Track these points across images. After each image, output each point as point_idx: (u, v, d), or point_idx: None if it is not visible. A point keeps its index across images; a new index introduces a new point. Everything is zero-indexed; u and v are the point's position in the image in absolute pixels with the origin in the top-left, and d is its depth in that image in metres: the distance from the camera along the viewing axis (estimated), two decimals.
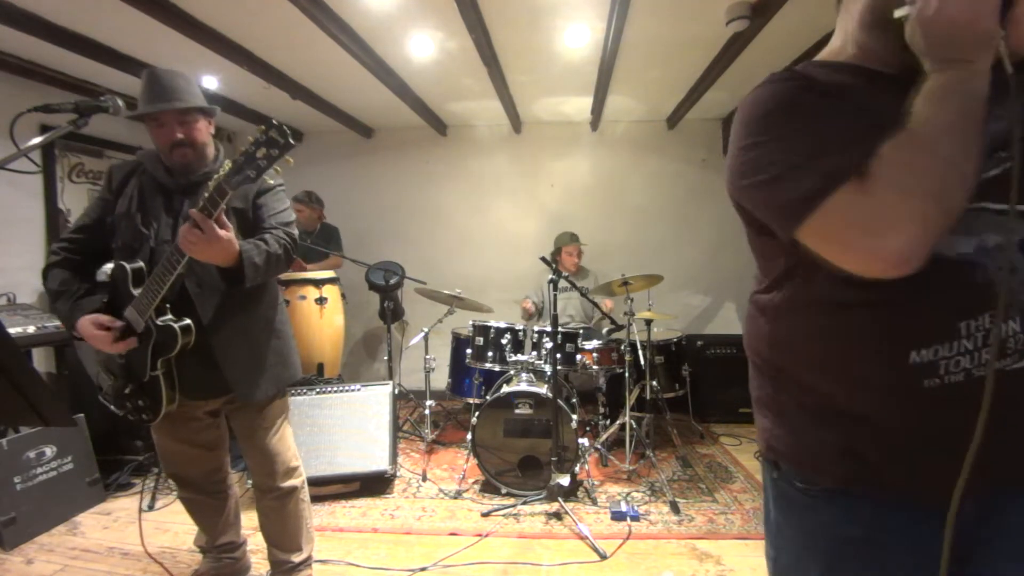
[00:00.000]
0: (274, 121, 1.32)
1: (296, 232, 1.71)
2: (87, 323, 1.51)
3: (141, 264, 1.55)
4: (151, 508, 2.65)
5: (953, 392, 0.68)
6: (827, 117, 0.69)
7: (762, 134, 0.72)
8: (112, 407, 1.65)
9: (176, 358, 1.56)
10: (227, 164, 1.34)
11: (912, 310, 0.69)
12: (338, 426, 2.83)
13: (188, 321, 1.54)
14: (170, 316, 1.52)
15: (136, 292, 1.51)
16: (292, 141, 1.33)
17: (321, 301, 3.58)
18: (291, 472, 1.83)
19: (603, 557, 2.21)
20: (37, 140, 1.26)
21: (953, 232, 0.64)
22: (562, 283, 2.86)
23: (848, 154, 0.65)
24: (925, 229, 0.61)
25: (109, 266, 1.62)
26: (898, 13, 0.65)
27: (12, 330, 2.54)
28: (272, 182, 1.72)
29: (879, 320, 0.71)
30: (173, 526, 2.48)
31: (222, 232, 1.38)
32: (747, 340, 0.92)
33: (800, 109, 0.71)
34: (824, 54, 0.82)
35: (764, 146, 0.71)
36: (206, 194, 1.36)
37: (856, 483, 0.75)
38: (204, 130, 1.64)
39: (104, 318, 1.53)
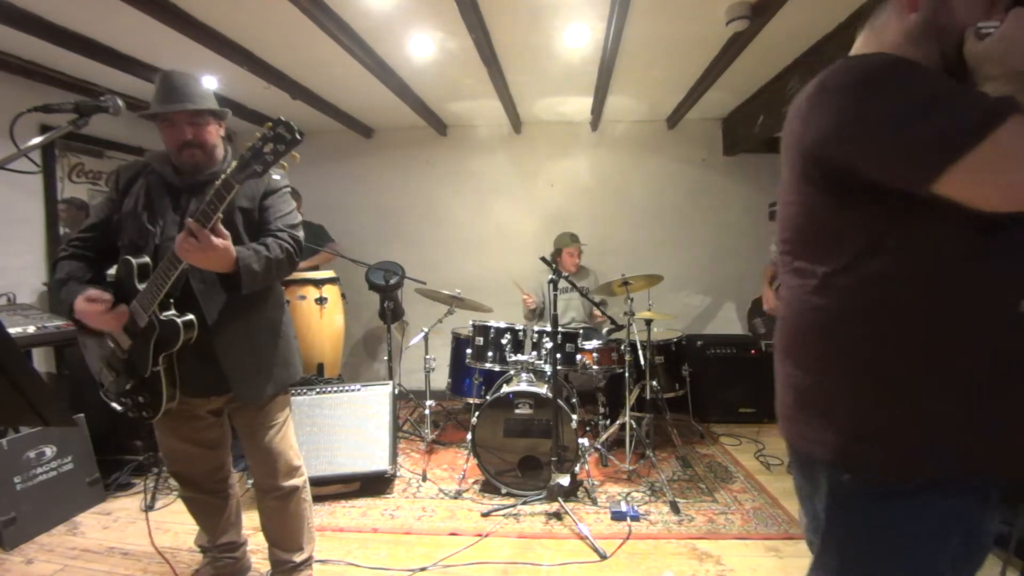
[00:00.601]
0: (282, 118, 1.34)
1: (301, 234, 1.72)
2: (80, 300, 1.51)
3: (147, 259, 1.56)
4: (151, 508, 2.65)
5: None
6: (944, 76, 0.73)
7: (890, 84, 0.71)
8: (113, 404, 1.66)
9: (178, 355, 1.56)
10: (233, 164, 1.36)
11: (1018, 259, 0.71)
12: (338, 426, 2.83)
13: (191, 316, 1.54)
14: (173, 311, 1.53)
15: (141, 287, 1.52)
16: (299, 137, 1.35)
17: (321, 301, 3.58)
18: (293, 471, 1.83)
19: (603, 557, 2.21)
20: (37, 140, 1.26)
21: None
22: (562, 283, 2.86)
23: (997, 99, 0.67)
24: None
25: (114, 269, 1.63)
26: (984, 26, 0.74)
27: (12, 330, 2.54)
28: (279, 183, 1.74)
29: (991, 270, 0.72)
30: (173, 526, 2.48)
31: (217, 241, 1.40)
32: (797, 335, 0.87)
33: (919, 68, 0.73)
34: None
35: (899, 93, 0.70)
36: (211, 191, 1.37)
37: (968, 463, 0.74)
38: (214, 132, 1.66)
39: (94, 292, 1.52)
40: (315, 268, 3.85)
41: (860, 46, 0.88)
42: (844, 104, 0.75)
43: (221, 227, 1.42)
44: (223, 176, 1.36)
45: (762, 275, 3.23)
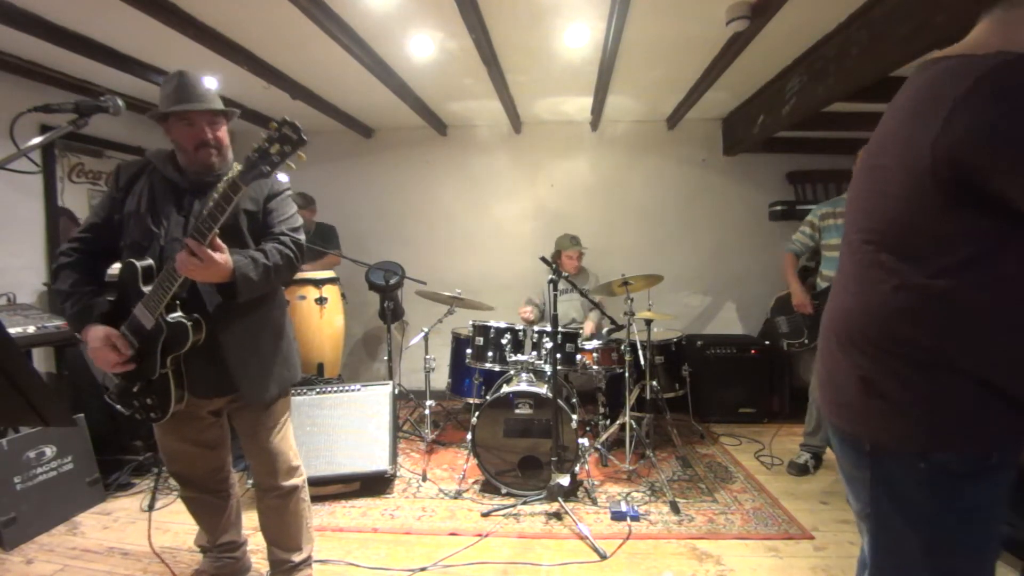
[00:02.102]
0: (287, 118, 1.34)
1: (303, 237, 1.73)
2: (99, 336, 1.51)
3: (151, 262, 1.56)
4: (151, 508, 2.64)
5: None
6: None
7: None
8: (119, 407, 1.65)
9: (184, 356, 1.56)
10: (236, 166, 1.36)
11: None
12: (338, 426, 2.83)
13: (198, 317, 1.54)
14: (181, 313, 1.53)
15: (146, 290, 1.52)
16: (305, 138, 1.36)
17: (321, 301, 3.58)
18: (292, 471, 1.83)
19: (603, 557, 2.21)
20: (37, 140, 1.26)
21: None
22: (562, 285, 2.86)
23: None
24: None
25: (117, 266, 1.62)
26: None
27: (12, 330, 2.54)
28: (282, 185, 1.75)
29: None
30: (173, 526, 2.48)
31: (218, 256, 1.42)
32: (883, 329, 0.89)
33: None
34: (971, 48, 0.84)
35: None
36: (216, 194, 1.38)
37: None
38: (226, 133, 1.67)
39: (120, 341, 1.52)
40: (325, 268, 3.85)
41: (986, 37, 0.83)
42: (1007, 112, 0.72)
43: (219, 241, 1.43)
44: (231, 178, 1.36)
45: (785, 268, 3.13)
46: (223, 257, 1.43)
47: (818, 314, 2.96)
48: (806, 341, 3.05)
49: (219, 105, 1.62)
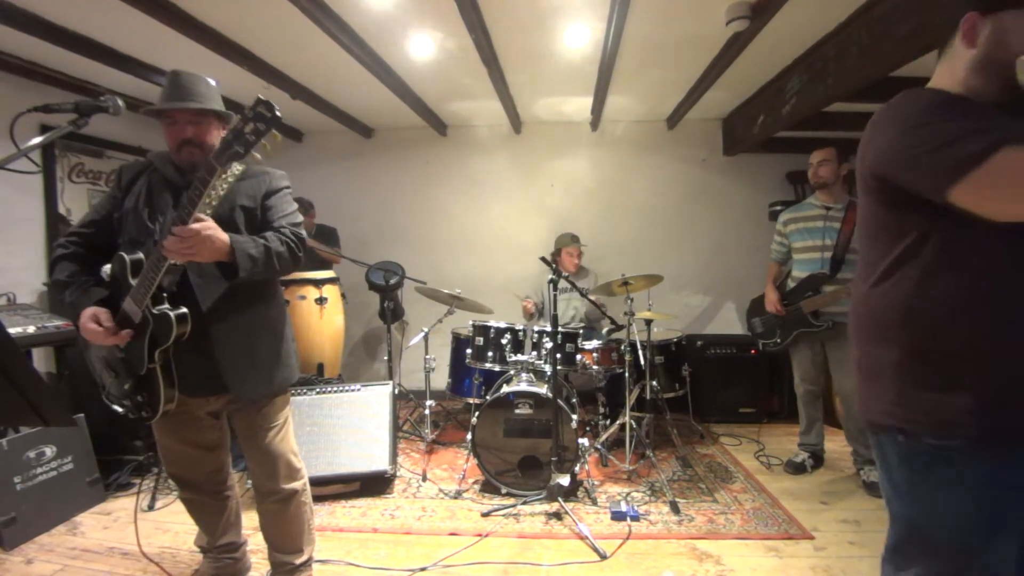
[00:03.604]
0: (261, 96, 1.33)
1: (304, 233, 1.73)
2: (86, 316, 1.52)
3: (140, 255, 1.55)
4: (151, 508, 2.65)
5: None
6: (978, 110, 0.90)
7: (929, 117, 0.91)
8: (114, 405, 1.66)
9: (175, 353, 1.55)
10: (236, 166, 1.36)
11: None
12: (338, 426, 2.83)
13: (184, 310, 1.53)
14: (166, 305, 1.52)
15: (134, 283, 1.52)
16: (279, 115, 1.34)
17: (321, 301, 3.58)
18: (294, 474, 1.83)
19: (603, 557, 2.21)
20: (37, 140, 1.26)
21: None
22: (562, 284, 2.86)
23: (1007, 130, 0.84)
24: None
25: (108, 266, 1.62)
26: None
27: (12, 330, 2.54)
28: (281, 183, 1.74)
29: (1020, 265, 0.88)
30: (173, 526, 2.48)
31: (198, 226, 1.39)
32: (867, 318, 1.04)
33: (959, 105, 0.92)
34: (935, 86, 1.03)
35: (933, 125, 0.90)
36: (196, 180, 1.37)
37: (992, 433, 0.88)
38: (215, 133, 1.65)
39: (102, 313, 1.52)
40: (323, 268, 3.85)
41: (938, 75, 1.03)
42: (890, 133, 0.95)
43: (201, 215, 1.42)
44: (207, 160, 1.36)
45: (766, 275, 3.24)
46: (204, 224, 1.41)
47: (788, 315, 3.01)
48: (779, 341, 3.10)
49: (212, 105, 1.61)
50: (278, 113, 1.34)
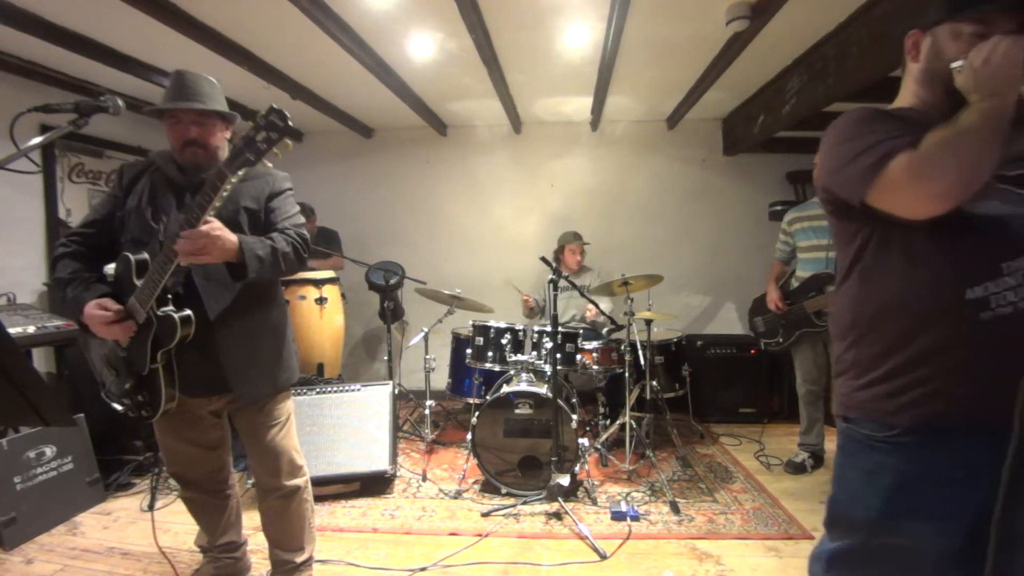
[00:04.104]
0: (274, 105, 1.34)
1: (307, 234, 1.73)
2: (92, 305, 1.52)
3: (145, 256, 1.56)
4: (151, 508, 2.65)
5: (1004, 323, 0.90)
6: (891, 124, 0.99)
7: (848, 135, 1.02)
8: (114, 404, 1.66)
9: (177, 353, 1.56)
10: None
11: (964, 256, 0.93)
12: (338, 426, 2.83)
13: (188, 312, 1.53)
14: (171, 307, 1.52)
15: (139, 283, 1.52)
16: (291, 125, 1.35)
17: (321, 301, 3.58)
18: (296, 471, 1.83)
19: (603, 557, 2.21)
20: (37, 140, 1.26)
21: (989, 198, 0.93)
22: (563, 283, 2.86)
23: (904, 138, 0.92)
24: (959, 180, 0.87)
25: (112, 266, 1.62)
26: (955, 65, 0.96)
27: (12, 330, 2.54)
28: (284, 185, 1.74)
29: (940, 266, 0.95)
30: (173, 526, 2.48)
31: (205, 227, 1.40)
32: (834, 317, 1.13)
33: (874, 121, 1.01)
34: (892, 106, 1.11)
35: (848, 142, 1.00)
36: (206, 184, 1.38)
37: (926, 425, 0.94)
38: (219, 134, 1.66)
39: (107, 301, 1.53)
40: (328, 268, 3.85)
41: (901, 88, 1.13)
42: (824, 151, 1.07)
43: (210, 218, 1.43)
44: (217, 167, 1.36)
45: (769, 273, 3.24)
46: (213, 226, 1.42)
47: (791, 314, 3.01)
48: (780, 340, 3.11)
49: (216, 106, 1.62)
50: (291, 123, 1.34)
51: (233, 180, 1.38)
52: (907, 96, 1.10)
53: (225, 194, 1.41)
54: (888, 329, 1.00)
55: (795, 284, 3.04)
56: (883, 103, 1.09)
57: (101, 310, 1.50)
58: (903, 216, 0.92)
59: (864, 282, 1.04)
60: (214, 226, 1.42)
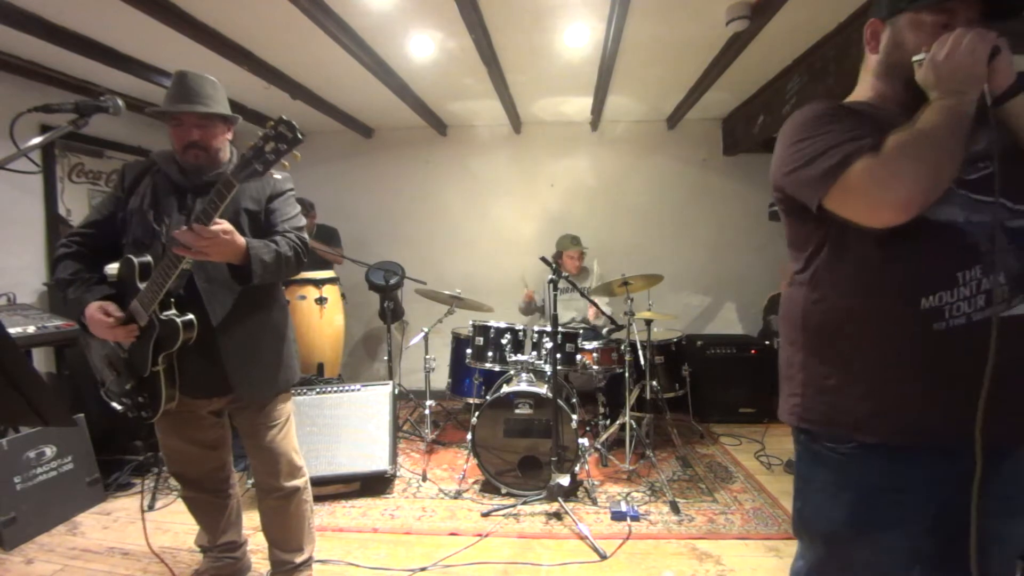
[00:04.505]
0: (283, 117, 1.35)
1: (307, 236, 1.73)
2: (94, 307, 1.52)
3: (148, 258, 1.56)
4: (151, 508, 2.64)
5: (957, 334, 0.87)
6: (849, 121, 0.93)
7: (804, 134, 0.96)
8: (113, 403, 1.66)
9: (179, 356, 1.56)
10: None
11: (919, 264, 0.89)
12: (338, 426, 2.83)
13: (191, 316, 1.54)
14: (173, 311, 1.53)
15: (142, 286, 1.52)
16: (300, 136, 1.36)
17: (321, 301, 3.58)
18: (295, 471, 1.83)
19: (603, 557, 2.21)
20: (37, 140, 1.26)
21: (946, 204, 0.87)
22: (563, 284, 2.86)
23: (864, 140, 0.88)
24: (920, 189, 0.83)
25: (114, 265, 1.63)
26: (916, 58, 0.91)
27: (12, 330, 2.54)
28: (285, 186, 1.74)
29: (895, 274, 0.90)
30: (173, 526, 2.48)
31: (216, 227, 1.41)
32: (781, 320, 1.09)
33: (831, 118, 0.96)
34: (849, 99, 1.07)
35: (805, 141, 0.95)
36: (212, 193, 1.38)
37: (882, 437, 0.91)
38: (220, 136, 1.66)
39: (110, 306, 1.53)
40: (322, 268, 3.85)
41: (858, 84, 1.08)
42: (779, 149, 1.02)
43: (219, 219, 1.43)
44: (224, 175, 1.37)
45: (779, 272, 3.25)
46: (224, 227, 1.42)
47: None
48: None
49: (219, 108, 1.62)
50: (300, 135, 1.35)
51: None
52: (864, 89, 1.05)
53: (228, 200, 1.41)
54: (839, 336, 0.96)
55: None
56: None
57: (103, 314, 1.51)
58: (863, 223, 0.88)
59: (816, 286, 0.99)
60: (225, 228, 1.43)
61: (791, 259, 1.08)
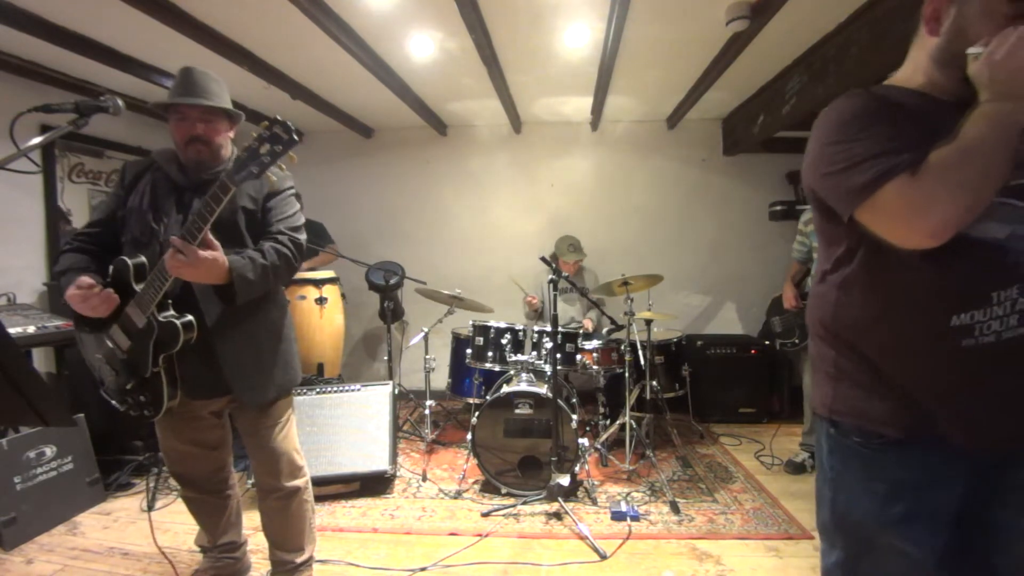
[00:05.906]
0: (278, 117, 1.33)
1: (303, 237, 1.71)
2: (70, 289, 1.49)
3: (143, 259, 1.55)
4: (151, 508, 2.65)
5: (985, 351, 0.85)
6: (892, 126, 0.86)
7: (841, 135, 0.90)
8: (113, 402, 1.65)
9: (179, 356, 1.55)
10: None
11: (954, 282, 0.86)
12: (338, 426, 2.83)
13: (190, 318, 1.53)
14: (172, 312, 1.52)
15: (138, 288, 1.51)
16: (296, 138, 1.34)
17: (321, 301, 3.58)
18: (296, 472, 1.83)
19: (603, 557, 2.21)
20: (37, 140, 1.26)
21: (988, 219, 0.82)
22: (563, 285, 2.86)
23: (904, 155, 0.82)
24: (957, 214, 0.78)
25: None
26: (971, 51, 0.82)
27: (12, 330, 2.54)
28: (283, 185, 1.72)
29: (927, 291, 0.88)
30: (173, 526, 2.48)
31: (205, 254, 1.39)
32: (812, 314, 1.07)
33: (872, 118, 0.88)
34: (896, 79, 0.99)
35: (841, 144, 0.89)
36: (208, 196, 1.37)
37: (908, 434, 0.91)
38: (223, 132, 1.65)
39: (84, 280, 1.49)
40: (313, 269, 3.84)
41: (907, 60, 0.98)
42: (814, 145, 0.95)
43: (211, 238, 1.42)
44: (220, 178, 1.36)
45: (786, 273, 3.24)
46: (213, 255, 1.41)
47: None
48: (797, 341, 3.11)
49: (223, 103, 1.62)
50: (296, 136, 1.33)
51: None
52: (916, 73, 0.94)
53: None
54: (872, 339, 0.95)
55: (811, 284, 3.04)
56: None
57: (75, 288, 1.48)
58: (891, 241, 0.85)
59: (846, 290, 0.97)
60: (207, 254, 1.39)
61: (820, 253, 1.06)
